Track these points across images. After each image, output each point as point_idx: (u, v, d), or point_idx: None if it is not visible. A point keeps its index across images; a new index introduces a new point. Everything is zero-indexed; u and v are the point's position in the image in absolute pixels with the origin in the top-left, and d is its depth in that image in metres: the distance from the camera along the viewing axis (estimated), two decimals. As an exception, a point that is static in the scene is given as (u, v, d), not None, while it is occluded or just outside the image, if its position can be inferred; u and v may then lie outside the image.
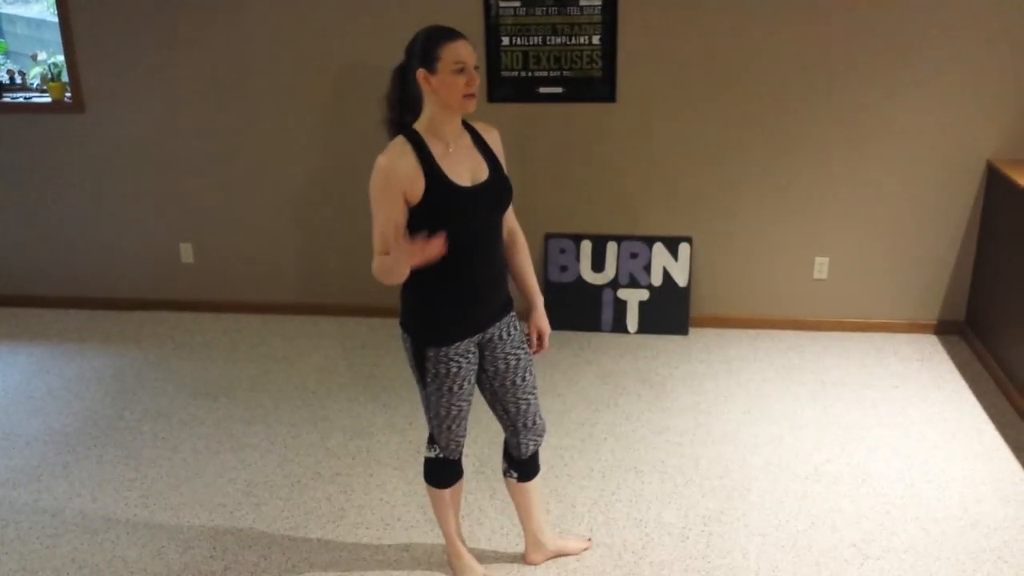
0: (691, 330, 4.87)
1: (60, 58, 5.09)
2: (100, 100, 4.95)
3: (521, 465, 2.94)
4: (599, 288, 4.85)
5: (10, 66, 5.43)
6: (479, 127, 2.71)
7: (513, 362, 2.78)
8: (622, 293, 4.83)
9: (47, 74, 5.19)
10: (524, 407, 2.83)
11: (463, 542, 3.06)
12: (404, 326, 2.70)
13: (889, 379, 4.32)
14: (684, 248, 4.75)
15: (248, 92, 4.83)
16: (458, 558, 3.04)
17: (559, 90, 4.61)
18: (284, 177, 4.97)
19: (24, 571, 3.15)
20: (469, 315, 2.66)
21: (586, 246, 4.82)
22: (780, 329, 4.86)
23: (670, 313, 4.81)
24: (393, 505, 3.46)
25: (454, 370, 2.66)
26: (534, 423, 2.87)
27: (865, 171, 4.56)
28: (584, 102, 4.62)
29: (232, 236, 5.12)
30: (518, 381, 2.80)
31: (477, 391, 2.86)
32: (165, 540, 3.30)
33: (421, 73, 2.49)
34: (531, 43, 4.56)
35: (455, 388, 2.69)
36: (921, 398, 4.15)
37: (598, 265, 4.83)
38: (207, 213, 5.10)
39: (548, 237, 4.84)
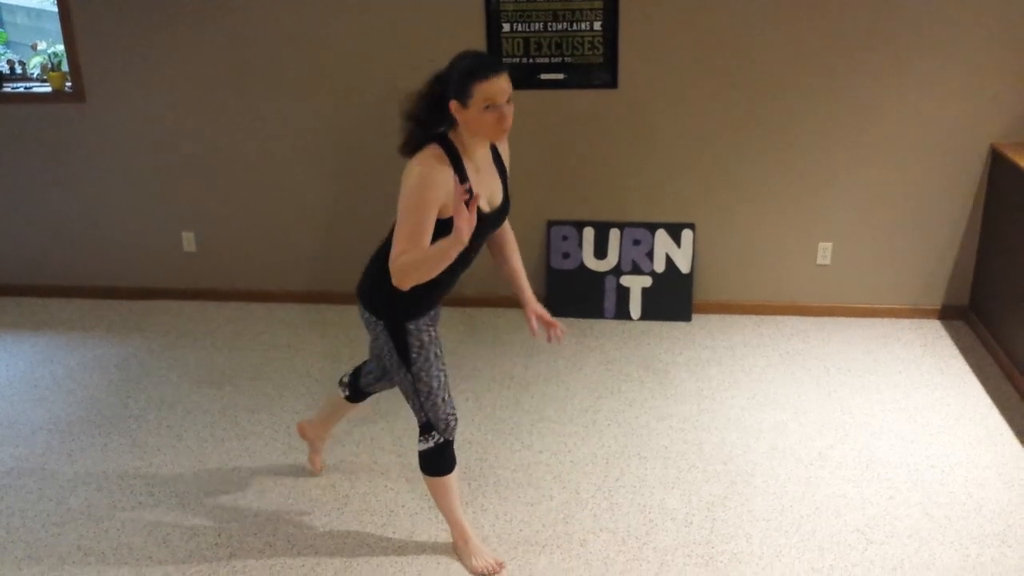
0: (694, 316, 4.87)
1: (60, 47, 5.08)
2: (101, 89, 4.95)
3: (361, 394, 3.31)
4: (602, 275, 4.84)
5: (10, 56, 5.42)
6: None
7: (436, 336, 2.91)
8: (625, 280, 4.83)
9: (47, 64, 5.18)
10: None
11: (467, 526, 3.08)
12: (374, 311, 2.79)
13: (893, 364, 4.32)
14: (687, 234, 4.74)
15: (249, 80, 4.82)
16: (465, 542, 3.05)
17: (560, 76, 4.60)
18: (286, 165, 4.96)
19: (30, 559, 3.16)
20: (438, 299, 2.85)
21: (588, 233, 4.81)
22: (784, 315, 4.86)
23: (673, 300, 4.81)
24: (397, 492, 3.47)
25: (433, 335, 2.83)
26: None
27: (868, 156, 4.54)
28: (585, 88, 4.60)
29: (234, 224, 5.12)
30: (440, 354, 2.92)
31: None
32: (170, 527, 3.31)
33: (454, 104, 2.54)
34: (532, 29, 4.55)
35: (439, 352, 2.84)
36: (925, 383, 4.14)
37: (600, 252, 4.82)
38: (208, 202, 5.09)
39: (550, 224, 4.83)
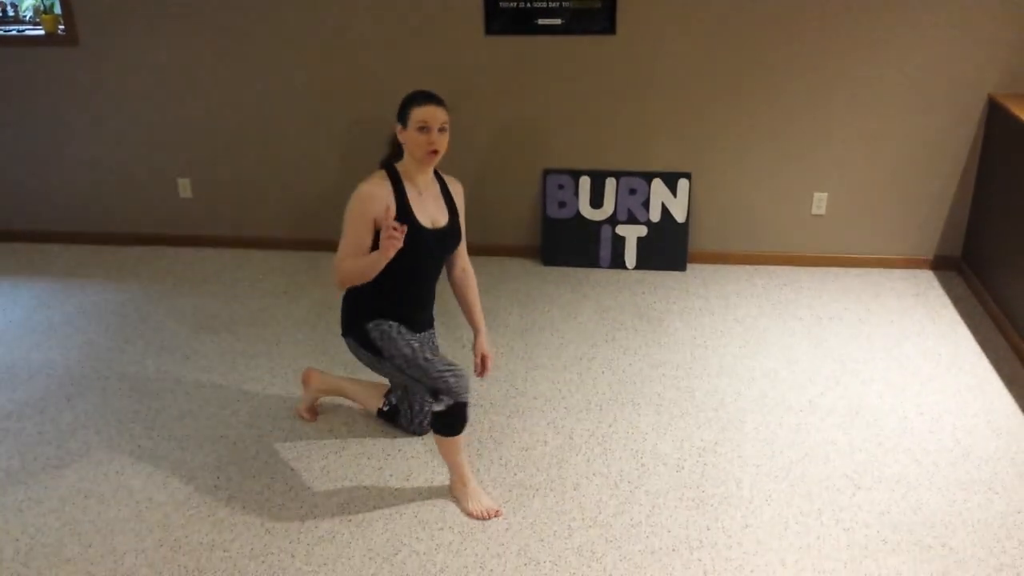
0: (689, 266, 4.89)
1: (52, -11, 5.02)
2: (94, 33, 4.90)
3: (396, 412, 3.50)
4: (597, 224, 4.85)
5: (2, -2, 5.36)
6: (447, 179, 3.19)
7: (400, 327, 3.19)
8: (620, 229, 4.84)
9: (40, 6, 5.12)
10: (426, 407, 3.40)
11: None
12: (347, 332, 3.19)
13: (884, 314, 4.35)
14: (683, 184, 4.74)
15: (246, 24, 4.77)
16: (464, 485, 3.10)
17: (558, 22, 4.56)
18: (282, 112, 4.94)
19: (30, 500, 3.21)
20: (400, 319, 3.16)
21: (584, 182, 4.81)
22: (778, 265, 4.88)
23: (668, 249, 4.82)
24: (394, 436, 3.51)
25: (394, 325, 3.12)
26: (428, 424, 3.43)
27: (865, 106, 4.53)
28: (583, 34, 4.57)
29: (230, 171, 5.11)
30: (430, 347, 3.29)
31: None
32: (169, 470, 3.35)
33: (397, 128, 3.01)
34: (530, -26, 4.50)
35: (403, 330, 3.11)
36: (916, 332, 4.18)
37: (596, 201, 4.83)
38: (204, 148, 5.07)
39: (546, 173, 4.83)
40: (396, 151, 3.09)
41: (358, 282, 2.96)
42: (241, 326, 4.38)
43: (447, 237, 3.12)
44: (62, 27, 4.94)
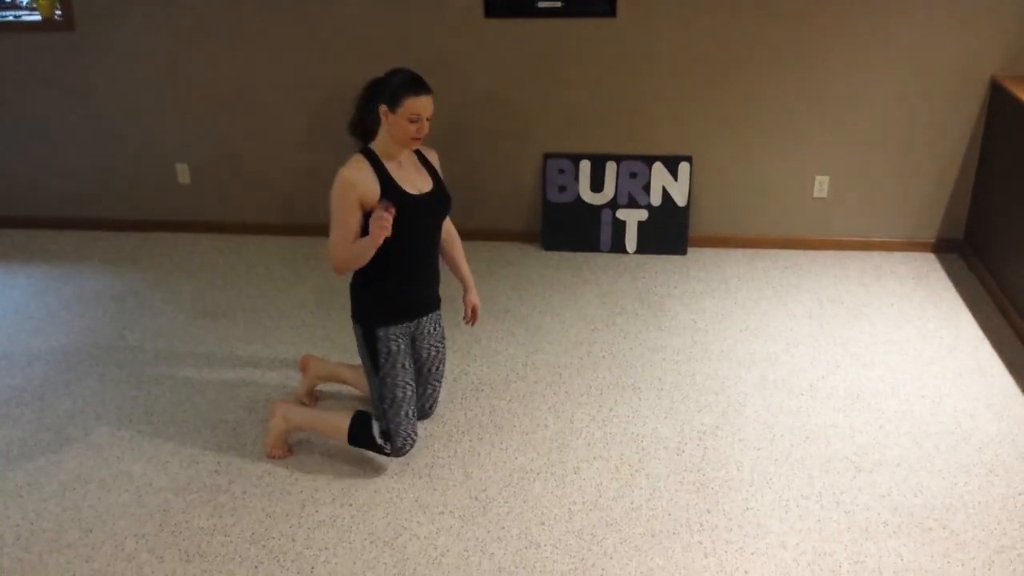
0: (690, 250, 4.87)
1: (48, -26, 4.98)
2: (91, 18, 4.86)
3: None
4: (598, 208, 4.83)
5: (-3, -17, 5.32)
6: (422, 149, 3.19)
7: (433, 352, 3.30)
8: (621, 213, 4.82)
9: (35, -9, 5.09)
10: (429, 391, 3.39)
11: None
12: (354, 316, 3.15)
13: (886, 297, 4.34)
14: (684, 167, 4.72)
15: (242, 9, 4.74)
16: (286, 428, 3.30)
17: (558, 4, 4.52)
18: (280, 97, 4.91)
19: (30, 486, 3.20)
20: (408, 302, 3.16)
21: (585, 166, 4.79)
22: (779, 248, 4.86)
23: (669, 233, 4.81)
24: (393, 421, 3.50)
25: (402, 346, 3.13)
26: (430, 408, 3.44)
27: (867, 88, 4.50)
28: (583, 17, 4.53)
29: (228, 157, 5.08)
30: (432, 369, 3.33)
31: None
32: (169, 455, 3.35)
33: (383, 108, 2.94)
34: (529, -44, 4.46)
35: (406, 364, 3.13)
36: (917, 315, 4.17)
37: (597, 185, 4.81)
38: (202, 133, 5.05)
39: (547, 157, 4.81)
40: (365, 120, 3.06)
41: (356, 266, 2.98)
42: (239, 311, 4.37)
43: (436, 201, 3.11)
44: (59, 12, 4.91)
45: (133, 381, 3.82)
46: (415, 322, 3.21)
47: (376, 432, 3.14)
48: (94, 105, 5.06)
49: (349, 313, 3.24)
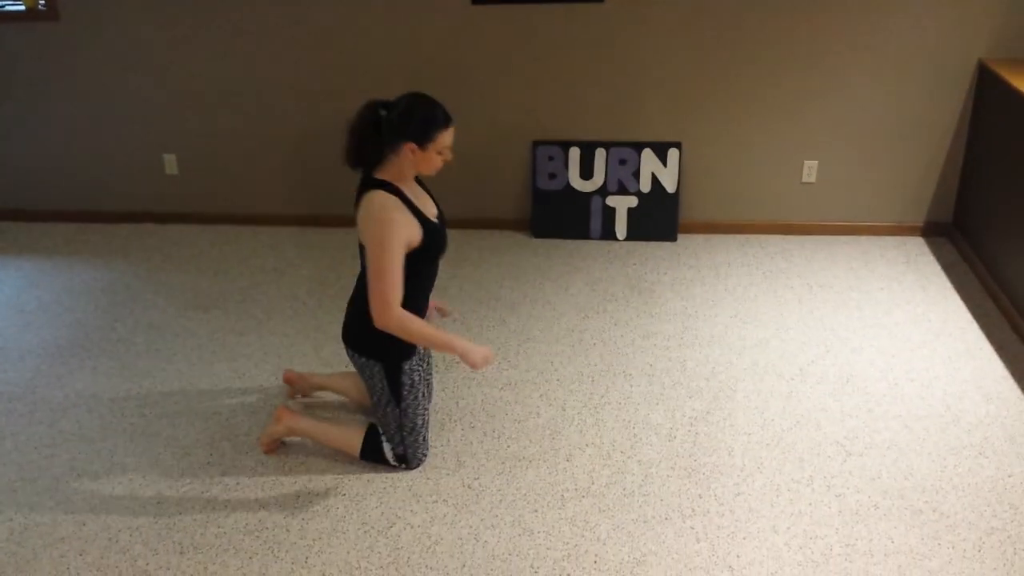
0: (680, 236, 4.88)
1: (32, -36, 4.94)
2: (75, 7, 4.83)
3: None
4: (588, 195, 4.83)
5: (-19, -26, 5.27)
6: None
7: (428, 378, 3.28)
8: (611, 200, 4.82)
9: (19, -18, 5.05)
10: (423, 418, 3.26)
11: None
12: (371, 354, 3.01)
13: (875, 281, 4.36)
14: (673, 154, 4.72)
15: (227, -2, 4.72)
16: (287, 430, 3.27)
17: (546, -8, 4.51)
18: (268, 86, 4.89)
19: (23, 480, 3.20)
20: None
21: (574, 153, 4.79)
22: (768, 234, 4.88)
23: (659, 219, 4.81)
24: (386, 411, 3.51)
25: (421, 375, 3.10)
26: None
27: (855, 73, 4.51)
28: (571, 3, 4.52)
29: (216, 147, 5.07)
30: (427, 393, 3.25)
31: None
32: (162, 447, 3.35)
33: (410, 146, 2.83)
34: (516, -57, 4.44)
35: (425, 392, 3.13)
36: (906, 299, 4.19)
37: (587, 172, 4.81)
38: (189, 123, 5.03)
39: (536, 144, 4.80)
40: (372, 154, 2.88)
41: (405, 337, 2.86)
42: (231, 303, 4.36)
43: (443, 221, 3.09)
44: (42, 2, 4.88)
45: (126, 374, 3.82)
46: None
47: (390, 455, 3.15)
48: (79, 96, 5.03)
49: (343, 295, 3.17)
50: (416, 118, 2.82)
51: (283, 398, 3.61)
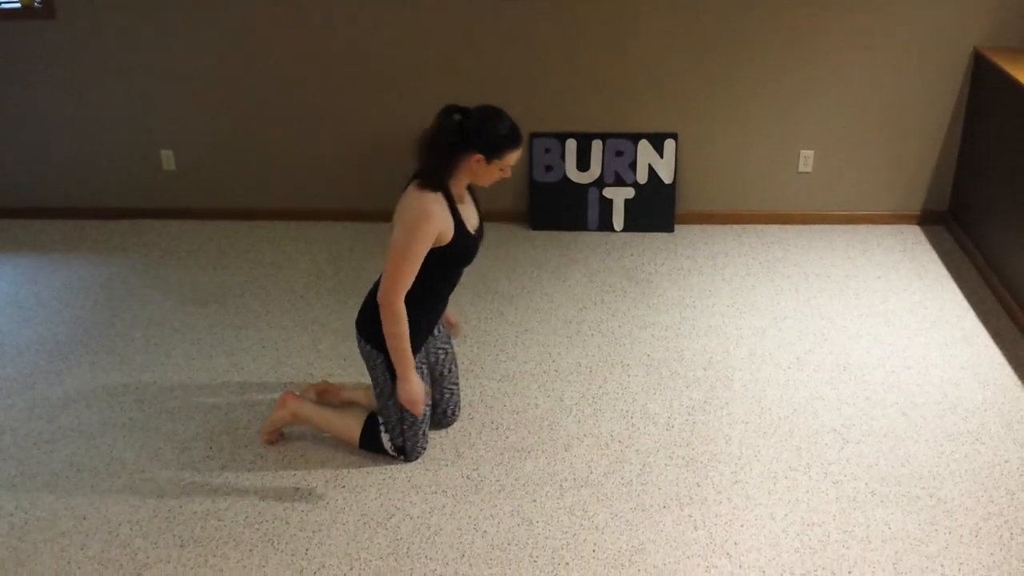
0: (677, 227, 4.89)
1: (26, -39, 4.94)
2: (71, 5, 4.83)
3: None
4: (584, 187, 4.84)
5: (-25, -29, 5.27)
6: None
7: (442, 355, 3.26)
8: (608, 192, 4.83)
9: (14, -22, 5.04)
10: (448, 396, 3.31)
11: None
12: (377, 344, 3.00)
13: (872, 270, 4.37)
14: (669, 144, 4.72)
15: (222, -7, 4.71)
16: (295, 421, 3.29)
17: (540, -16, 4.51)
18: (265, 81, 4.89)
19: (23, 475, 3.21)
20: (432, 324, 3.12)
21: (571, 145, 4.79)
22: (765, 224, 4.88)
23: (656, 210, 4.82)
24: (384, 403, 3.52)
25: (425, 369, 3.11)
26: (453, 413, 3.35)
27: (851, 61, 4.51)
28: (566, -4, 4.53)
29: (213, 142, 5.07)
30: (446, 372, 3.27)
31: None
32: (162, 442, 3.36)
33: (477, 158, 2.85)
34: (511, -65, 4.44)
35: (427, 389, 3.08)
36: (903, 288, 4.20)
37: (583, 164, 4.81)
38: (186, 119, 5.03)
39: (533, 136, 4.81)
40: (440, 155, 2.87)
41: (385, 323, 2.88)
42: (229, 298, 4.37)
43: (482, 235, 3.09)
44: (38, 0, 4.88)
45: (124, 369, 3.83)
46: (434, 331, 3.20)
47: (388, 446, 3.16)
48: (76, 93, 5.03)
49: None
50: (490, 132, 2.85)
51: (281, 391, 3.61)
